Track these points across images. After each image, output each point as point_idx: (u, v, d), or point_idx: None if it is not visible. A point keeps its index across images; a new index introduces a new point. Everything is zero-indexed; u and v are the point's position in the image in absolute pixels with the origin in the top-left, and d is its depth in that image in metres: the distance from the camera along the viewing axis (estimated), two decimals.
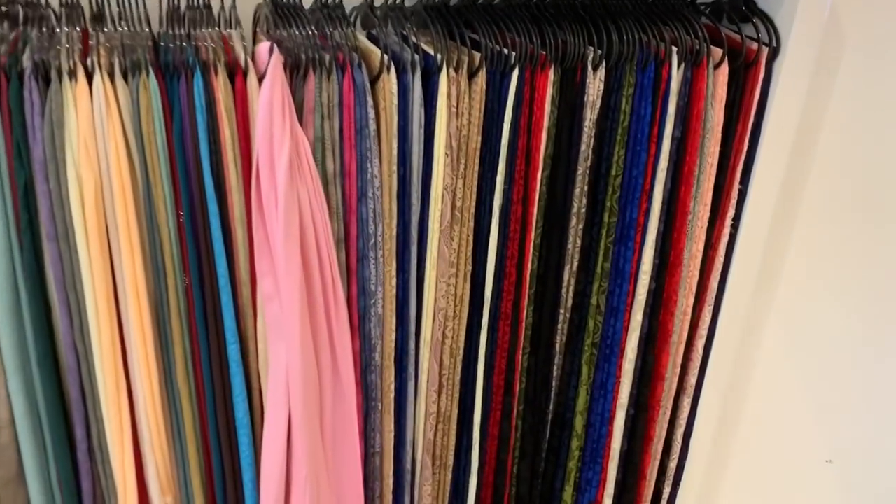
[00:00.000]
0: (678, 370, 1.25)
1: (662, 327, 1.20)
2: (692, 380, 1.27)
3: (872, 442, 1.38)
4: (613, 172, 1.06)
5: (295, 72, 0.90)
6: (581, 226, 1.10)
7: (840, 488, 1.44)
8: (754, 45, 1.06)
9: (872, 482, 1.42)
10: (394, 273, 1.03)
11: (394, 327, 1.07)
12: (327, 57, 0.90)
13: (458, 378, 1.14)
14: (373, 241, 1.00)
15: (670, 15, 1.04)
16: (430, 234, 1.03)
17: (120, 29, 0.89)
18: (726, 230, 1.16)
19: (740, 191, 1.14)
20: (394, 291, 1.04)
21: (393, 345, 1.08)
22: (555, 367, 1.19)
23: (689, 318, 1.21)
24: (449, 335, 1.11)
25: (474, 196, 1.03)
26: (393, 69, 0.93)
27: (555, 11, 1.03)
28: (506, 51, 0.97)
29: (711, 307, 1.22)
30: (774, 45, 1.05)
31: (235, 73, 0.89)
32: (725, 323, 1.23)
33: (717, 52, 1.04)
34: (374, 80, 0.94)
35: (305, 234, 0.94)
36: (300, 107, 0.92)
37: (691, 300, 1.20)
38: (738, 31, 1.05)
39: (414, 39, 0.96)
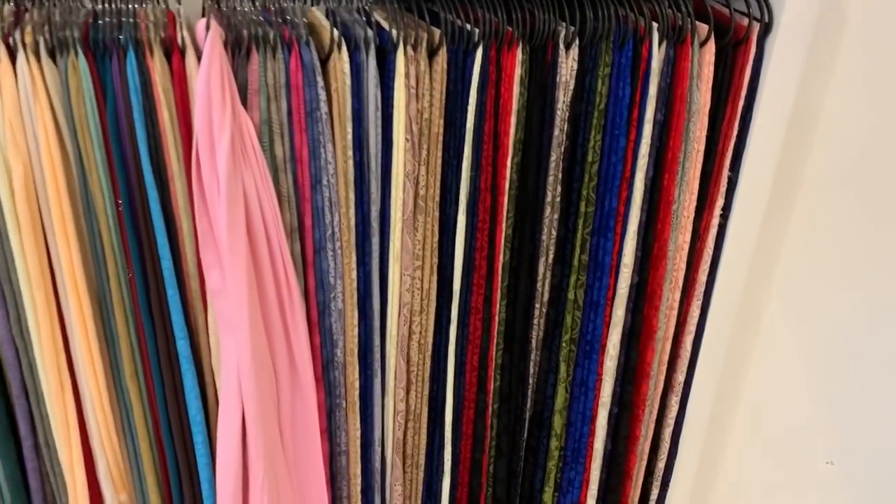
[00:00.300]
0: (665, 367, 1.17)
1: (647, 323, 1.11)
2: (680, 377, 1.19)
3: (878, 442, 1.28)
4: (590, 159, 0.97)
5: (237, 50, 0.83)
6: (556, 216, 1.01)
7: (843, 491, 1.34)
8: (744, 21, 0.96)
9: (878, 485, 1.32)
10: (354, 266, 0.96)
11: (356, 322, 0.99)
12: (272, 33, 0.83)
13: (427, 375, 1.07)
14: (330, 231, 0.93)
15: None
16: (391, 225, 0.95)
17: (46, 3, 0.82)
18: (715, 220, 1.07)
19: (730, 178, 1.04)
20: (354, 285, 0.97)
21: (356, 340, 1.00)
22: (531, 364, 1.11)
23: (675, 313, 1.12)
24: (416, 331, 1.03)
25: (438, 184, 0.95)
26: (345, 47, 0.85)
27: None
28: (468, 27, 0.88)
29: (700, 302, 1.13)
30: (766, 20, 0.95)
31: (172, 52, 0.82)
32: (715, 319, 1.14)
33: (703, 28, 0.95)
34: (325, 59, 0.86)
35: (252, 223, 0.87)
36: (244, 88, 0.84)
37: (678, 294, 1.11)
38: (726, 5, 0.95)
39: (368, 14, 0.88)
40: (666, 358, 1.16)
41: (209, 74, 0.80)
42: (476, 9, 0.89)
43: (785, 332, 1.18)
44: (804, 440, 1.29)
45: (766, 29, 0.96)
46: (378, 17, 0.89)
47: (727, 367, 1.18)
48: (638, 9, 0.93)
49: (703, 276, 1.11)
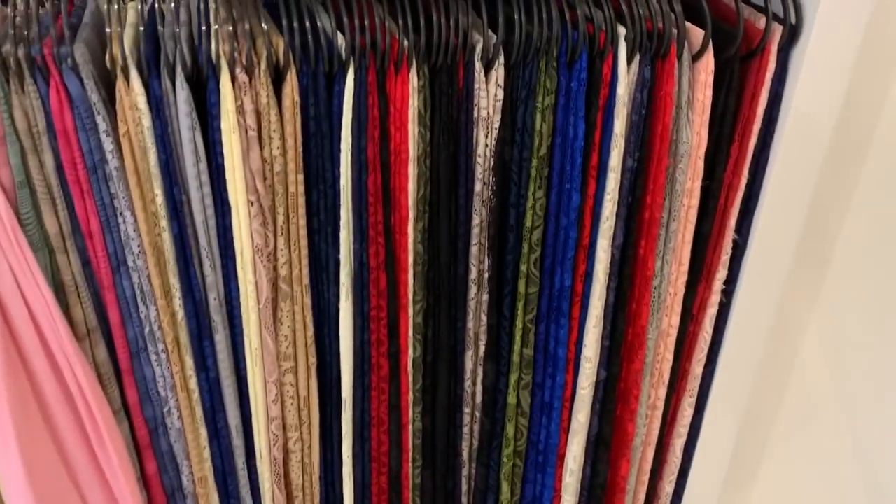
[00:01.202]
0: (647, 478, 0.86)
1: (619, 429, 0.80)
2: (668, 488, 0.88)
3: None
4: (529, 223, 0.66)
5: None
6: (485, 297, 0.70)
7: None
8: (761, 22, 0.63)
9: None
10: (190, 372, 0.66)
11: (204, 443, 0.70)
12: (15, 52, 0.52)
13: (317, 500, 0.78)
14: (147, 328, 0.63)
15: None
16: (243, 317, 0.65)
17: None
18: (714, 298, 0.75)
19: (735, 243, 0.72)
20: (196, 396, 0.68)
21: (207, 465, 0.71)
22: (464, 480, 0.82)
23: (659, 412, 0.81)
24: (295, 449, 0.73)
25: (306, 261, 0.65)
26: (134, 71, 0.54)
27: None
28: (328, 30, 0.57)
29: (694, 399, 0.82)
30: (793, 20, 0.62)
31: None
32: (715, 420, 0.82)
33: (697, 33, 0.62)
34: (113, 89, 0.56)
35: (14, 325, 0.58)
36: None
37: (662, 391, 0.80)
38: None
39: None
40: (648, 467, 0.85)
41: None
42: (347, 11, 0.57)
43: (804, 438, 0.86)
44: None
45: (793, 34, 0.63)
46: (222, 28, 0.57)
47: (731, 477, 0.87)
48: (594, 1, 0.61)
49: (697, 368, 0.80)
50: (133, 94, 0.55)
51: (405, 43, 0.57)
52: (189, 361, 0.66)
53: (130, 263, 0.60)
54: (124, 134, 0.55)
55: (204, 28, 0.55)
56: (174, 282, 0.62)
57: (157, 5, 0.56)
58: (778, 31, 0.62)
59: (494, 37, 0.59)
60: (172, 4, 0.56)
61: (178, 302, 0.62)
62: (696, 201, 0.69)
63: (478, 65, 0.59)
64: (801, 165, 0.68)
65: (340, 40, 0.57)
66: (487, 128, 0.61)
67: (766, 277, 0.74)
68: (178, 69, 0.55)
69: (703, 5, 0.62)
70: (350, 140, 0.59)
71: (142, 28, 0.54)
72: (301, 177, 0.60)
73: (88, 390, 0.62)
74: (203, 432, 0.70)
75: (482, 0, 0.59)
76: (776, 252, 0.72)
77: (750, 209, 0.71)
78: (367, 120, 0.59)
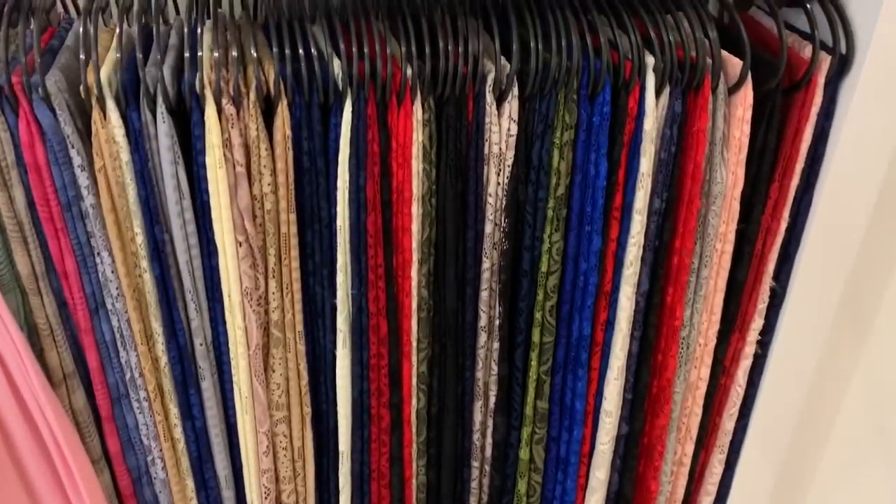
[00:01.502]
0: None
1: (641, 486, 0.74)
2: None
3: None
4: (544, 268, 0.60)
5: None
6: (496, 345, 0.64)
7: None
8: (806, 51, 0.56)
9: None
10: (175, 420, 0.61)
11: (191, 494, 0.65)
12: None
13: None
14: (129, 374, 0.58)
15: None
16: (232, 364, 0.60)
17: None
18: (749, 349, 0.68)
19: (773, 290, 0.65)
20: (181, 446, 0.62)
21: None
22: None
23: (686, 469, 0.75)
24: (289, 502, 0.68)
25: (299, 305, 0.59)
26: (111, 101, 0.49)
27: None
28: (324, 55, 0.52)
29: (724, 456, 0.75)
30: (843, 49, 0.55)
31: None
32: (748, 478, 0.75)
33: (734, 63, 0.56)
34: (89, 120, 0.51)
35: None
36: None
37: (690, 447, 0.73)
38: (774, 22, 0.56)
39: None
40: None
41: None
42: (344, 37, 0.52)
43: (844, 500, 0.78)
44: None
45: (843, 65, 0.56)
46: (207, 50, 0.52)
47: None
48: (621, 28, 0.54)
49: (729, 423, 0.73)
50: (110, 126, 0.50)
51: (408, 71, 0.52)
52: (174, 409, 0.60)
53: (109, 306, 0.55)
54: (100, 169, 0.51)
55: (188, 55, 0.50)
56: (156, 326, 0.56)
57: (136, 28, 0.51)
58: (826, 61, 0.55)
59: (508, 65, 0.53)
60: (154, 28, 0.51)
61: (160, 347, 0.57)
62: (730, 246, 0.62)
63: (489, 96, 0.53)
64: (849, 209, 0.61)
65: (337, 67, 0.51)
66: (499, 165, 0.55)
67: (806, 328, 0.66)
68: (160, 99, 0.49)
69: (742, 32, 0.55)
70: (347, 177, 0.54)
71: (118, 55, 0.49)
72: (294, 216, 0.55)
73: (63, 438, 0.57)
74: (189, 483, 0.64)
75: (494, 22, 0.53)
76: (818, 301, 0.65)
77: (790, 255, 0.64)
78: (366, 155, 0.53)
